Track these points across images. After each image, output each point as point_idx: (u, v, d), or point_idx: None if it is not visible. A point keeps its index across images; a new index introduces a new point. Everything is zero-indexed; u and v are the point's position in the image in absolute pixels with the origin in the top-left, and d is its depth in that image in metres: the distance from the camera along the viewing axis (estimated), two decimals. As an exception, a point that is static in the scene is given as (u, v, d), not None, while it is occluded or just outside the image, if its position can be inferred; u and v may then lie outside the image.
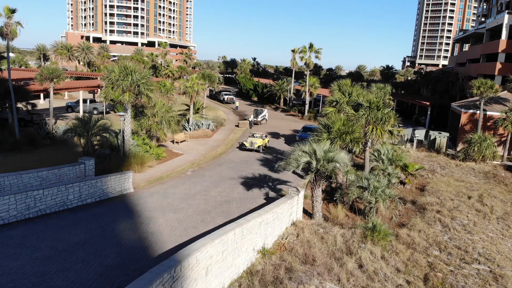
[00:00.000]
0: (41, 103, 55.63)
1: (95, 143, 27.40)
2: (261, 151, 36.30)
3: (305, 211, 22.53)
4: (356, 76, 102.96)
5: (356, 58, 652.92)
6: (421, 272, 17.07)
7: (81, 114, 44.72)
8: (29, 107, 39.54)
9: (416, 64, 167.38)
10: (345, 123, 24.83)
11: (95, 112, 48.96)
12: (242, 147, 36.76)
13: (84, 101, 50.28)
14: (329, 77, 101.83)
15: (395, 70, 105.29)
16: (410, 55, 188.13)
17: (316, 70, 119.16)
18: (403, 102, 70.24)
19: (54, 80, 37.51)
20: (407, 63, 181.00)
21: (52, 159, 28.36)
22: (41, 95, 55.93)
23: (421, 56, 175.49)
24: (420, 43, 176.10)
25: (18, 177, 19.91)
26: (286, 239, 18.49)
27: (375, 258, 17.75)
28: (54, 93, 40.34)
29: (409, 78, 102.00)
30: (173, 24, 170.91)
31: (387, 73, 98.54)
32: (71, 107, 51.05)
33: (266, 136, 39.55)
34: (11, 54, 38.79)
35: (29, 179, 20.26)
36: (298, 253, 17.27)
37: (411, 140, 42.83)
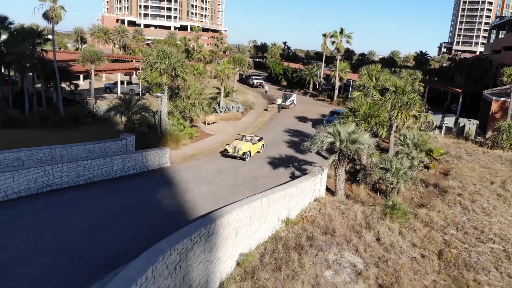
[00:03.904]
0: (81, 84, 58.77)
1: (136, 120, 29.53)
2: (247, 159, 28.22)
3: (328, 190, 23.80)
4: (389, 62, 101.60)
5: (391, 43, 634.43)
6: (436, 248, 18.08)
7: (119, 95, 47.23)
8: (72, 87, 42.28)
9: (453, 51, 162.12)
10: (371, 106, 25.70)
11: (131, 93, 51.40)
12: (224, 152, 28.82)
13: (121, 83, 52.84)
14: (361, 62, 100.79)
15: (429, 56, 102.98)
16: (447, 41, 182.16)
17: (348, 55, 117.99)
18: (436, 89, 69.34)
19: (95, 62, 39.96)
20: (444, 49, 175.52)
21: (94, 135, 30.69)
22: (81, 76, 59.05)
23: (458, 42, 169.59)
24: (457, 29, 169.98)
25: (68, 149, 22.26)
26: (308, 212, 19.91)
27: (392, 233, 18.89)
28: (91, 75, 42.91)
29: (445, 64, 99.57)
30: (205, 8, 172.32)
31: (421, 59, 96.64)
32: (109, 88, 53.81)
33: (260, 140, 31.19)
34: (48, 37, 41.38)
35: (77, 151, 22.59)
36: (320, 225, 18.68)
37: (440, 127, 42.89)
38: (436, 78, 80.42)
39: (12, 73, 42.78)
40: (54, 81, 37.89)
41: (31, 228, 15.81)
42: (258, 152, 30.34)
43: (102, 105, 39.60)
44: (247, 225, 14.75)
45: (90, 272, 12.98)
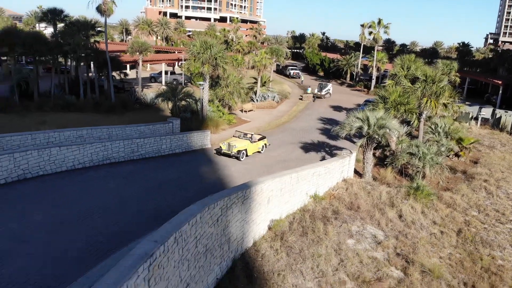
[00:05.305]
0: (128, 73, 62.61)
1: (180, 106, 32.29)
2: (242, 158, 25.73)
3: (357, 173, 25.34)
4: (431, 53, 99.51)
5: (436, 34, 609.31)
6: (456, 226, 19.34)
7: (163, 84, 50.39)
8: (122, 76, 45.70)
9: (499, 42, 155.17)
10: (401, 94, 26.91)
11: (174, 83, 54.51)
12: (218, 150, 26.38)
13: (165, 73, 56.09)
14: (401, 53, 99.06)
15: (472, 47, 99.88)
16: (494, 32, 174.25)
17: (389, 45, 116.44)
18: (477, 80, 68.09)
19: (143, 52, 43.05)
20: (490, 40, 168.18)
21: (142, 120, 33.60)
22: (127, 66, 62.90)
23: (505, 33, 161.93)
24: (504, 19, 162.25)
25: (122, 129, 25.29)
26: (336, 190, 21.65)
27: (415, 211, 20.28)
28: (139, 65, 46.11)
29: (490, 56, 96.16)
30: (245, 0, 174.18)
31: (462, 50, 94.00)
32: (154, 78, 57.24)
33: (262, 138, 28.27)
34: (99, 29, 44.98)
35: (131, 131, 25.55)
36: (345, 201, 20.40)
37: (476, 118, 42.91)
38: (478, 70, 78.44)
39: (67, 63, 46.83)
40: (106, 70, 41.24)
41: (98, 190, 18.86)
42: (259, 152, 27.70)
43: (148, 93, 42.70)
44: (278, 196, 16.77)
45: (147, 222, 15.59)
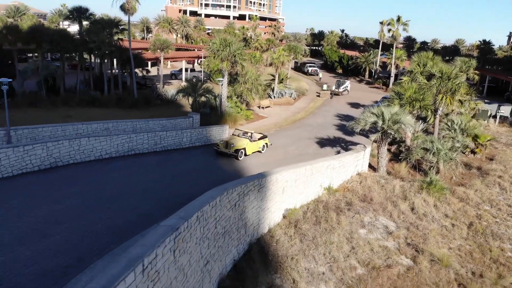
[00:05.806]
0: (149, 70, 64.14)
1: (200, 102, 33.45)
2: (240, 157, 24.62)
3: (372, 168, 25.89)
4: (452, 50, 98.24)
5: (458, 32, 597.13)
6: (468, 220, 19.78)
7: (183, 81, 51.66)
8: (144, 73, 47.14)
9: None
10: (416, 91, 27.31)
11: (194, 80, 55.72)
12: (215, 148, 25.56)
13: (185, 70, 57.41)
14: (422, 50, 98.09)
15: (493, 45, 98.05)
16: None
17: (409, 43, 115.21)
18: (498, 78, 67.16)
19: (165, 50, 44.37)
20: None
21: (163, 115, 34.89)
22: (149, 63, 64.48)
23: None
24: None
25: (146, 122, 26.63)
26: (350, 183, 22.33)
27: (427, 205, 20.79)
28: (160, 62, 47.48)
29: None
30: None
31: (484, 48, 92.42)
32: (175, 75, 58.69)
33: (263, 138, 27.02)
34: (123, 27, 46.32)
35: (153, 124, 26.87)
36: (359, 193, 21.09)
37: (495, 116, 42.68)
38: (499, 68, 77.23)
39: (91, 60, 48.55)
40: (129, 67, 42.70)
41: (126, 177, 20.17)
42: (259, 151, 26.51)
43: (169, 89, 44.02)
44: (293, 187, 17.59)
45: (172, 206, 16.52)
